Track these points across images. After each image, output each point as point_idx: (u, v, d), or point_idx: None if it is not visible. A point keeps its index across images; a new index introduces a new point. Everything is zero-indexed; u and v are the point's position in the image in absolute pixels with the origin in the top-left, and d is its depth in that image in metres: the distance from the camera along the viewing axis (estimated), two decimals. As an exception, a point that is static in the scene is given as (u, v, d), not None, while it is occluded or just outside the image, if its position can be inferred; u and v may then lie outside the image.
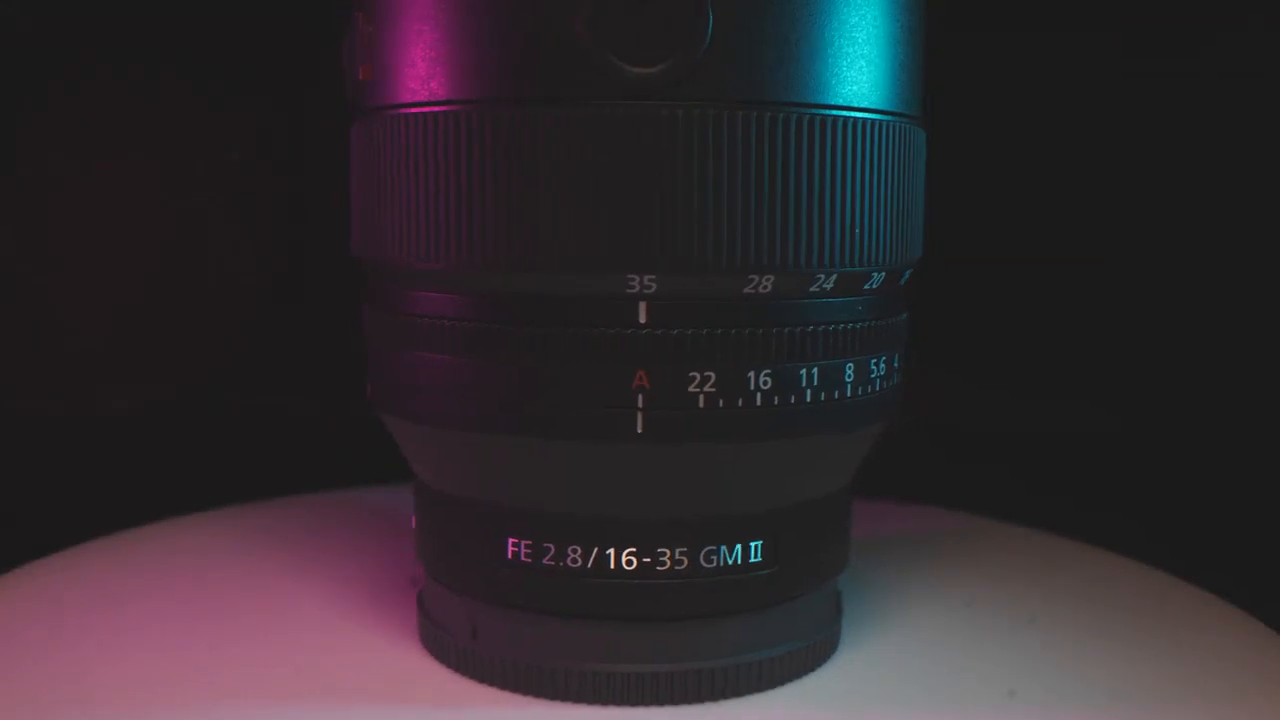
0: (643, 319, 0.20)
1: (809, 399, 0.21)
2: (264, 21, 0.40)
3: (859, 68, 0.21)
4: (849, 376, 0.22)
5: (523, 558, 0.22)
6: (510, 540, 0.22)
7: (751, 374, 0.21)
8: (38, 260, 0.39)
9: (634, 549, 0.22)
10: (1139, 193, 0.39)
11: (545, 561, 0.22)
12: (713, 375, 0.21)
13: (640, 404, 0.21)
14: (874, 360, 0.23)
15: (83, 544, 0.32)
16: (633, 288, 0.20)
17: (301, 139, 0.40)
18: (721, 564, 0.23)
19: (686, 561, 0.22)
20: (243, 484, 0.37)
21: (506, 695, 0.23)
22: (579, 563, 0.22)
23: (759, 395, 0.21)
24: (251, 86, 0.40)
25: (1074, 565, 0.32)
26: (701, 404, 0.21)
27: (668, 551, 0.22)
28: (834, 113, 0.21)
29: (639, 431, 0.21)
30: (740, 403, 0.21)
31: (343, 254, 0.41)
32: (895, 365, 0.24)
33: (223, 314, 0.42)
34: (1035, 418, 0.41)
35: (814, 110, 0.20)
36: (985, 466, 0.39)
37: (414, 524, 0.26)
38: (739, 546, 0.23)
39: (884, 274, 0.23)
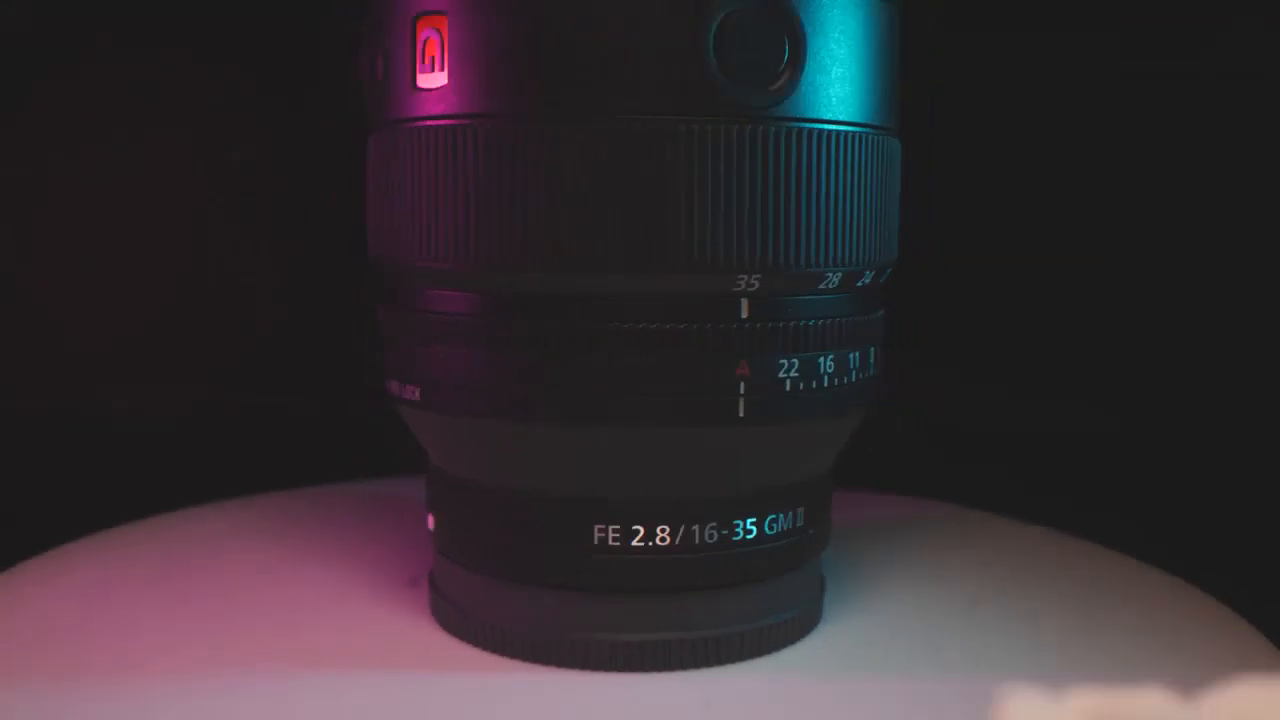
0: (745, 314, 0.23)
1: (853, 379, 0.25)
2: (265, 21, 0.40)
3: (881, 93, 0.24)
4: (871, 360, 0.25)
5: (610, 542, 0.24)
6: (597, 527, 0.24)
7: (820, 359, 0.24)
8: (38, 260, 0.39)
9: (715, 523, 0.24)
10: (1139, 193, 0.39)
11: (634, 544, 0.24)
12: (796, 362, 0.24)
13: (742, 390, 0.23)
14: (876, 346, 0.26)
15: (87, 537, 0.32)
16: (739, 286, 0.23)
17: (302, 139, 0.40)
18: (780, 530, 0.25)
19: (756, 531, 0.25)
20: (243, 483, 0.37)
21: (547, 670, 0.25)
22: (668, 541, 0.24)
23: (825, 378, 0.24)
24: (252, 86, 0.40)
25: (1059, 554, 0.33)
26: (788, 388, 0.24)
27: (742, 523, 0.25)
28: (872, 132, 0.24)
29: (740, 415, 0.23)
30: (814, 385, 0.24)
31: (343, 254, 0.41)
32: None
33: (222, 314, 0.42)
34: (1034, 418, 0.41)
35: (866, 130, 0.24)
36: (985, 467, 0.39)
37: (431, 524, 0.26)
38: (791, 513, 0.26)
39: (890, 269, 0.26)
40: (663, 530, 0.24)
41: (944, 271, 0.41)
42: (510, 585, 0.25)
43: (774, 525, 0.25)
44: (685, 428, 0.23)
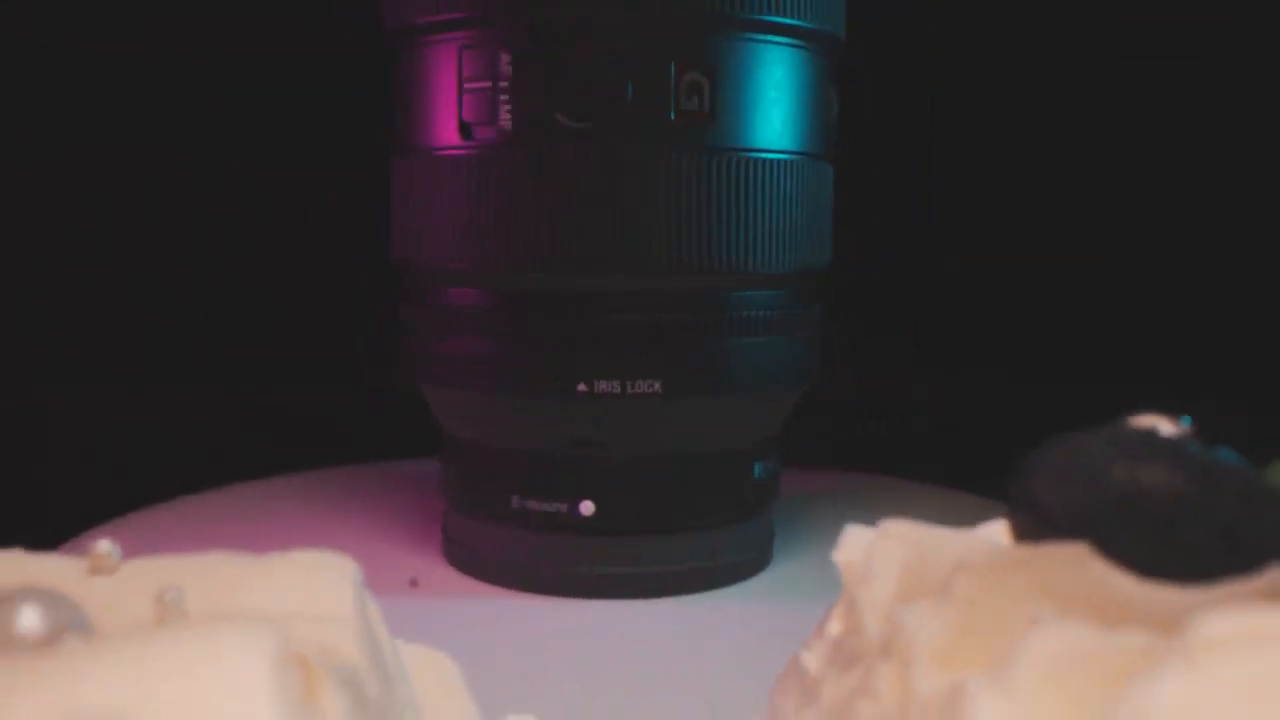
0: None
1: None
2: (267, 22, 0.40)
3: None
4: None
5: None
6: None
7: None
8: (38, 261, 0.39)
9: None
10: (1139, 193, 0.39)
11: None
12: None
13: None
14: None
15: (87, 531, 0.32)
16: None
17: (302, 140, 0.40)
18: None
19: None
20: (243, 481, 0.37)
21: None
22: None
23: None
24: (255, 86, 0.40)
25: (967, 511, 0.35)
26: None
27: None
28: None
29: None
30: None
31: (343, 254, 0.41)
32: None
33: (223, 313, 0.42)
34: (1034, 416, 0.41)
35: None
36: (985, 465, 0.39)
37: (590, 510, 0.29)
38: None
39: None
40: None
41: (944, 271, 0.41)
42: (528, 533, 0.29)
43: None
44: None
